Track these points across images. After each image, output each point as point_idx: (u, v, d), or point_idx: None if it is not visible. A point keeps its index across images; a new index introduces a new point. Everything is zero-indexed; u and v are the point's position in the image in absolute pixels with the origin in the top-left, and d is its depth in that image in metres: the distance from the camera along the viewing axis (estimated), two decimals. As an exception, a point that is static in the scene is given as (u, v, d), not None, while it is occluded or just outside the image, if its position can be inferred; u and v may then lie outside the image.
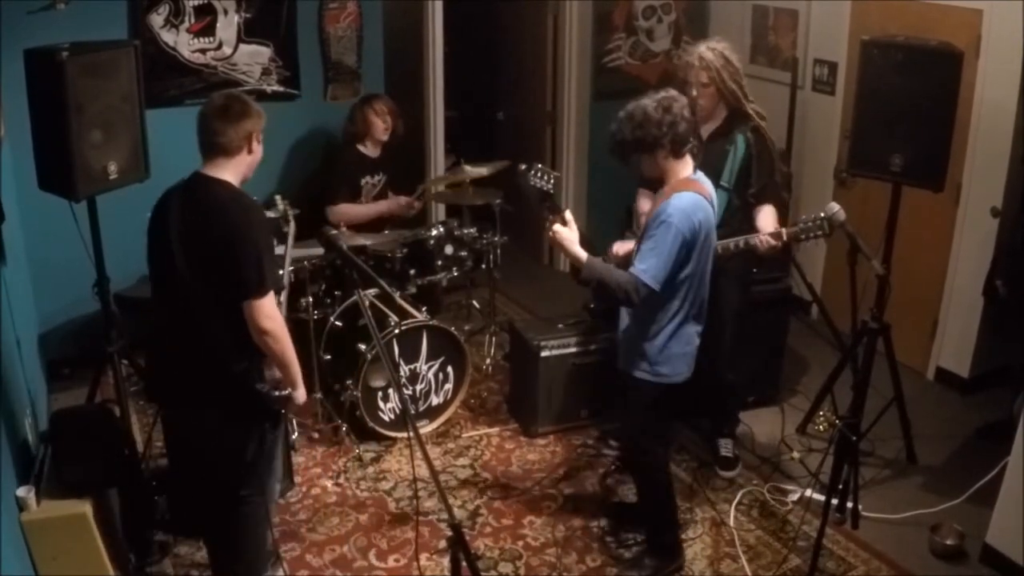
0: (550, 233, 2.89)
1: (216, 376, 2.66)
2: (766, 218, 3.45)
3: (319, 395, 4.01)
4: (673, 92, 2.85)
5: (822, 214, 3.13)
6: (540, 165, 2.97)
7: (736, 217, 3.51)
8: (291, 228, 3.76)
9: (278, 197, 3.93)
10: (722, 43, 3.45)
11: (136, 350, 3.50)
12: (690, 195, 2.81)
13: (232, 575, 2.97)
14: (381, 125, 4.53)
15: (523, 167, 3.01)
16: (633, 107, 2.81)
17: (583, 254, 2.86)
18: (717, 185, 3.41)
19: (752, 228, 3.43)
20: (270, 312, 2.59)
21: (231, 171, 2.69)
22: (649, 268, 2.77)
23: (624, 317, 3.06)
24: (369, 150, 4.62)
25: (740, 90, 3.43)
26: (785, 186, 3.88)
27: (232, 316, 2.58)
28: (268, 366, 2.72)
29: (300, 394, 2.80)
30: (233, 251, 2.55)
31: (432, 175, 5.36)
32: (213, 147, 2.66)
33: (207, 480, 2.89)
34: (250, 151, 2.71)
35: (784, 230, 3.27)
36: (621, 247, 3.42)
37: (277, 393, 2.71)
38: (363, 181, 4.61)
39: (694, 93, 3.38)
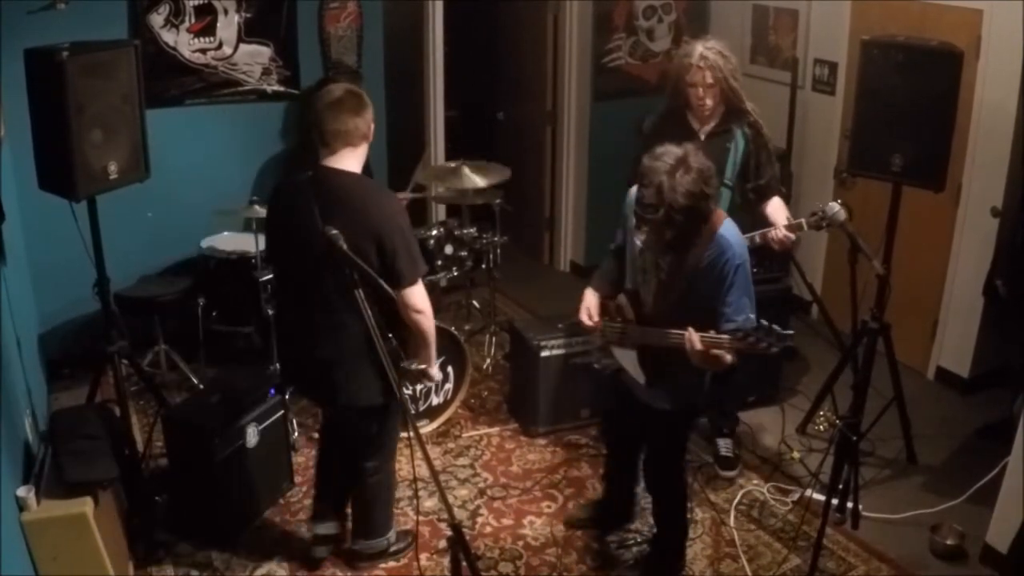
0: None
1: (364, 360, 2.77)
2: (777, 211, 3.45)
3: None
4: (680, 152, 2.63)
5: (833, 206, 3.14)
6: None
7: (737, 214, 3.51)
8: None
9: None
10: (717, 41, 3.45)
11: (136, 350, 3.50)
12: (728, 221, 2.73)
13: (367, 535, 3.19)
14: None
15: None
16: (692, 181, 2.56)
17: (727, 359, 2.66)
18: (720, 183, 3.43)
19: (756, 224, 3.42)
20: (423, 293, 2.80)
21: (356, 161, 2.77)
22: (749, 309, 2.69)
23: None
24: None
25: (740, 87, 3.44)
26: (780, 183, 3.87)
27: (378, 302, 2.64)
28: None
29: (435, 370, 3.04)
30: (383, 241, 2.66)
31: (428, 166, 5.34)
32: (338, 137, 2.72)
33: (343, 456, 3.13)
34: (367, 139, 2.79)
35: (804, 220, 3.27)
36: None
37: (416, 367, 2.90)
38: None
39: (700, 93, 3.37)
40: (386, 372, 2.55)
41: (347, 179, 2.74)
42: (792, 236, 3.28)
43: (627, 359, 2.96)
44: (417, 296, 2.78)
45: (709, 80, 3.35)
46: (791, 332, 2.53)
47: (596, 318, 3.01)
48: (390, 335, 2.73)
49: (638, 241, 2.74)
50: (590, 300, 3.04)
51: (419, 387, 4.06)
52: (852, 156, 3.62)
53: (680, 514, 3.19)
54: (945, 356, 4.59)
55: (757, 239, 3.37)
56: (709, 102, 3.40)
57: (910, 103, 3.33)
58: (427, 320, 2.84)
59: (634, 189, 2.74)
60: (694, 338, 2.59)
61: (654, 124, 3.70)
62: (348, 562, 3.24)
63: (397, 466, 3.83)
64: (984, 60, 4.12)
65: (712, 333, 2.60)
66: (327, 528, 3.25)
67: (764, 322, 2.50)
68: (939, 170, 3.39)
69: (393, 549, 3.26)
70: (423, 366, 2.95)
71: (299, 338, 2.93)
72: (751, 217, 3.48)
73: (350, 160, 2.76)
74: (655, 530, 3.30)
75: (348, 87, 2.82)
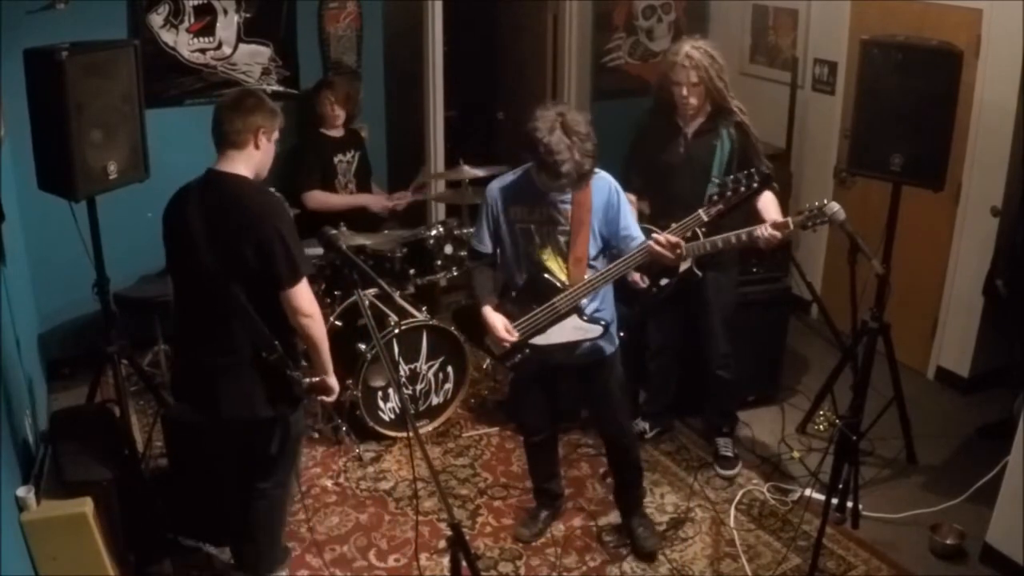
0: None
1: (249, 368, 2.70)
2: (768, 205, 3.39)
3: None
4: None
5: (825, 202, 3.09)
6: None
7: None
8: None
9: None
10: (705, 41, 3.46)
11: (136, 350, 3.50)
12: None
13: (250, 569, 3.02)
14: (329, 111, 4.61)
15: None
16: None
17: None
18: (707, 180, 3.43)
19: (748, 220, 3.40)
20: (309, 296, 2.68)
21: (242, 165, 2.71)
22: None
23: (603, 297, 3.07)
24: (331, 132, 4.68)
25: (725, 87, 3.44)
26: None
27: (263, 307, 2.62)
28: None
29: (333, 381, 2.85)
30: (261, 244, 2.59)
31: (431, 170, 5.35)
32: (222, 138, 2.69)
33: (229, 475, 2.97)
34: (257, 146, 2.71)
35: (790, 219, 3.18)
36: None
37: (308, 380, 2.76)
38: (336, 160, 4.66)
39: (684, 92, 3.38)
40: (273, 382, 2.52)
41: (231, 181, 2.68)
42: (777, 234, 3.22)
43: (557, 333, 3.02)
44: (301, 297, 2.65)
45: (693, 79, 3.36)
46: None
47: (512, 330, 3.01)
48: (276, 343, 2.66)
49: (531, 226, 2.95)
50: (497, 318, 3.01)
51: (418, 387, 4.06)
52: (852, 156, 3.62)
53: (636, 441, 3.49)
54: (945, 356, 4.58)
55: (743, 237, 3.31)
56: (693, 101, 3.40)
57: (910, 103, 3.33)
58: (316, 324, 2.71)
59: (495, 186, 3.02)
60: (661, 239, 2.83)
61: (640, 121, 3.70)
62: None
63: (397, 466, 3.85)
64: (984, 60, 4.12)
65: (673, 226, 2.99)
66: (226, 555, 3.14)
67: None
68: (939, 170, 3.39)
69: None
70: (317, 377, 2.80)
71: (196, 350, 2.83)
72: (741, 214, 3.47)
73: (236, 162, 2.69)
74: (626, 472, 3.37)
75: (249, 90, 2.82)
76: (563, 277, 2.98)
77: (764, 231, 3.14)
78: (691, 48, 3.37)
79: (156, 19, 4.40)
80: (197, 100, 4.62)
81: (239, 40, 4.63)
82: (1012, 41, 3.94)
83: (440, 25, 5.31)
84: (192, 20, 4.48)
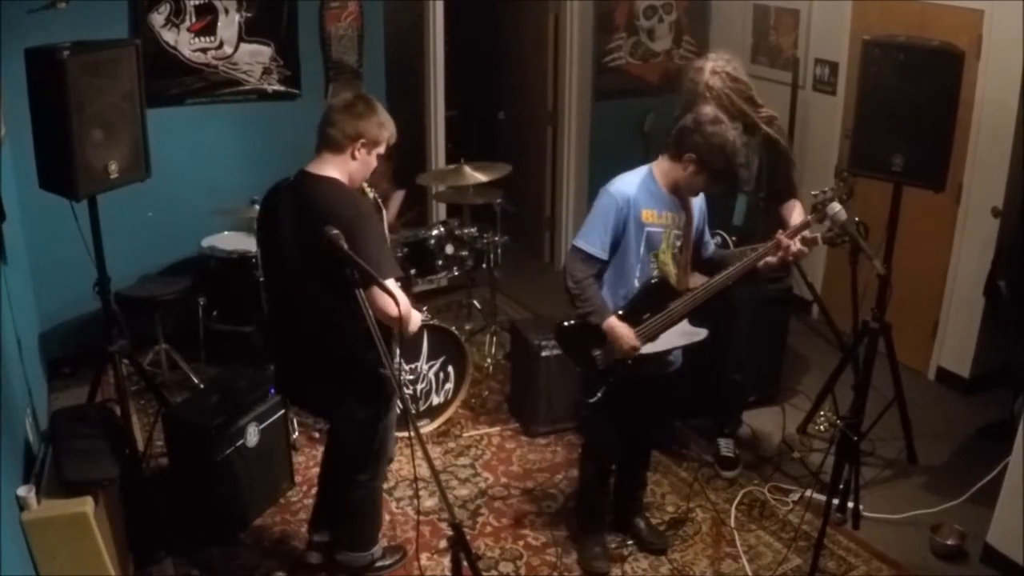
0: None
1: (345, 367, 2.71)
2: (793, 212, 3.45)
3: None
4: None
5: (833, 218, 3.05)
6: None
7: (755, 220, 3.53)
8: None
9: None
10: (726, 59, 3.41)
11: (137, 349, 3.50)
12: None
13: (347, 546, 3.11)
14: None
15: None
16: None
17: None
18: (740, 191, 3.46)
19: (773, 226, 3.37)
20: (397, 298, 2.56)
21: (337, 169, 2.68)
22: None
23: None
24: None
25: (750, 104, 3.42)
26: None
27: (352, 307, 2.52)
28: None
29: (411, 317, 2.75)
30: (349, 244, 2.53)
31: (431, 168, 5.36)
32: (322, 138, 2.67)
33: (339, 468, 3.03)
34: (354, 156, 2.67)
35: (819, 236, 3.08)
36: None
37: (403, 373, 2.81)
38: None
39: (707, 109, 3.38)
40: (371, 383, 2.49)
41: (321, 184, 2.66)
42: (806, 250, 3.09)
43: (666, 339, 2.98)
44: (386, 298, 2.57)
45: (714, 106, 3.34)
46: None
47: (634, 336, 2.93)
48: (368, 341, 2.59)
49: (665, 228, 2.92)
50: (625, 327, 2.89)
51: (419, 387, 4.06)
52: (853, 156, 3.62)
53: None
54: (946, 356, 4.58)
55: (773, 260, 3.09)
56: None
57: (911, 103, 3.33)
58: (410, 325, 2.66)
59: (625, 188, 2.89)
60: (786, 242, 2.92)
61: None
62: (332, 573, 3.18)
63: (398, 466, 3.85)
64: (985, 60, 4.12)
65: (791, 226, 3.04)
66: (321, 535, 3.19)
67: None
68: (940, 170, 3.39)
69: (378, 564, 3.17)
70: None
71: (286, 347, 2.89)
72: (766, 224, 3.46)
73: (330, 165, 2.67)
74: (642, 476, 3.42)
75: (364, 95, 2.75)
76: (674, 282, 2.96)
77: (792, 247, 3.01)
78: (711, 75, 3.35)
79: (157, 18, 4.40)
80: (198, 100, 4.62)
81: (240, 40, 4.63)
82: (1013, 42, 3.93)
83: (441, 25, 5.32)
84: (193, 19, 4.48)
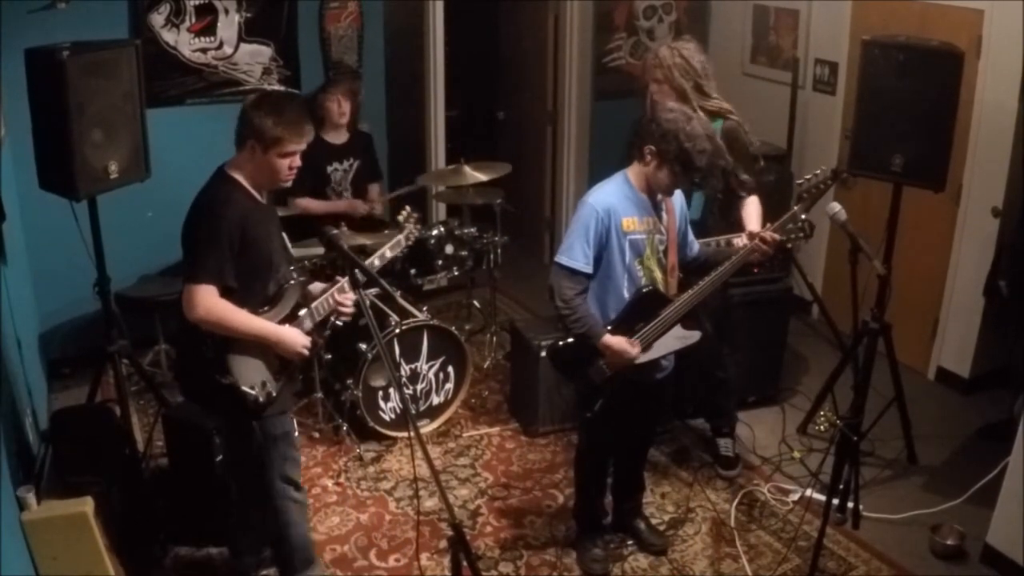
0: None
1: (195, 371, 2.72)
2: (750, 215, 3.36)
3: (319, 395, 4.02)
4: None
5: (802, 216, 3.03)
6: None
7: (712, 216, 3.53)
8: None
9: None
10: (685, 42, 3.47)
11: (137, 349, 3.50)
12: None
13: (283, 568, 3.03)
14: (335, 108, 4.49)
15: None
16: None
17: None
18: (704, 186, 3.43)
19: (729, 226, 3.38)
20: (197, 302, 2.55)
21: (236, 167, 2.66)
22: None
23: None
24: (333, 137, 4.57)
25: (697, 92, 3.40)
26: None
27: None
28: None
29: (287, 335, 2.65)
30: (182, 234, 2.58)
31: (430, 170, 5.36)
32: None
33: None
34: (252, 155, 2.61)
35: (770, 233, 3.04)
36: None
37: (247, 389, 2.63)
38: (330, 169, 4.57)
39: (651, 89, 3.43)
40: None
41: (211, 179, 2.69)
42: (769, 251, 3.06)
43: (661, 346, 2.96)
44: (188, 300, 2.61)
45: (657, 76, 3.39)
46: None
47: (634, 344, 2.91)
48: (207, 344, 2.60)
49: (653, 237, 2.90)
50: (621, 340, 2.87)
51: (419, 387, 4.06)
52: (852, 156, 3.62)
53: None
54: (946, 356, 4.58)
55: (722, 243, 3.21)
56: (656, 98, 3.41)
57: (911, 103, 3.33)
58: (217, 328, 2.61)
59: (604, 198, 2.85)
60: (766, 236, 2.94)
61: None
62: None
63: (398, 466, 3.86)
64: (985, 60, 4.12)
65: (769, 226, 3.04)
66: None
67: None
68: (939, 170, 3.39)
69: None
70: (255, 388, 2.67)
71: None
72: (724, 221, 3.46)
73: (234, 161, 2.68)
74: (640, 477, 3.44)
75: (288, 93, 2.80)
76: (662, 287, 2.93)
77: (760, 246, 3.02)
78: (665, 48, 3.41)
79: (157, 19, 4.40)
80: (198, 100, 4.62)
81: (240, 40, 4.63)
82: (1013, 42, 3.93)
83: (441, 25, 5.32)
84: (193, 20, 4.48)
